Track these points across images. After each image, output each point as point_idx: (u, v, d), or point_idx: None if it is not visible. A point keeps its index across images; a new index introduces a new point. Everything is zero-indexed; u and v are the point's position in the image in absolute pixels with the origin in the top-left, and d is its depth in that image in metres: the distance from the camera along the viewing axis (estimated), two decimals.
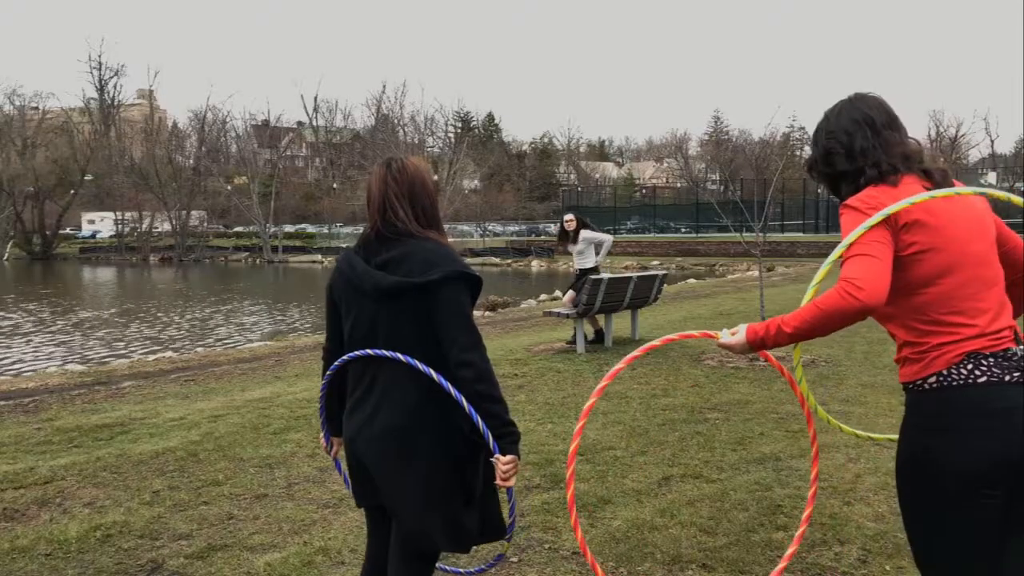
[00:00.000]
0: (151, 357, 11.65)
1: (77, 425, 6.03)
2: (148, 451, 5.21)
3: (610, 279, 9.12)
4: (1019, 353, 1.91)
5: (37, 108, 70.39)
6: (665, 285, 11.01)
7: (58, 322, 19.35)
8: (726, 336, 2.11)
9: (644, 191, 70.83)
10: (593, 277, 9.02)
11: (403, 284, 2.17)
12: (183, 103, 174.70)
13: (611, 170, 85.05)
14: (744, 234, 12.02)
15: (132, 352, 13.75)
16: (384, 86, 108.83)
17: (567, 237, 9.79)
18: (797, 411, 6.01)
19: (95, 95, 71.34)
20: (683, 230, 50.31)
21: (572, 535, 3.74)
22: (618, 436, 5.42)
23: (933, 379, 1.91)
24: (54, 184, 62.01)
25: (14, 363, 13.02)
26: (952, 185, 1.99)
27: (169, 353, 12.70)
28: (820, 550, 3.53)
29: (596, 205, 61.08)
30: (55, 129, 70.34)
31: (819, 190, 51.59)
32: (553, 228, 57.01)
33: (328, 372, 2.35)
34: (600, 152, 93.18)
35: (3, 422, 6.36)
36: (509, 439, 2.16)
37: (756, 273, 10.12)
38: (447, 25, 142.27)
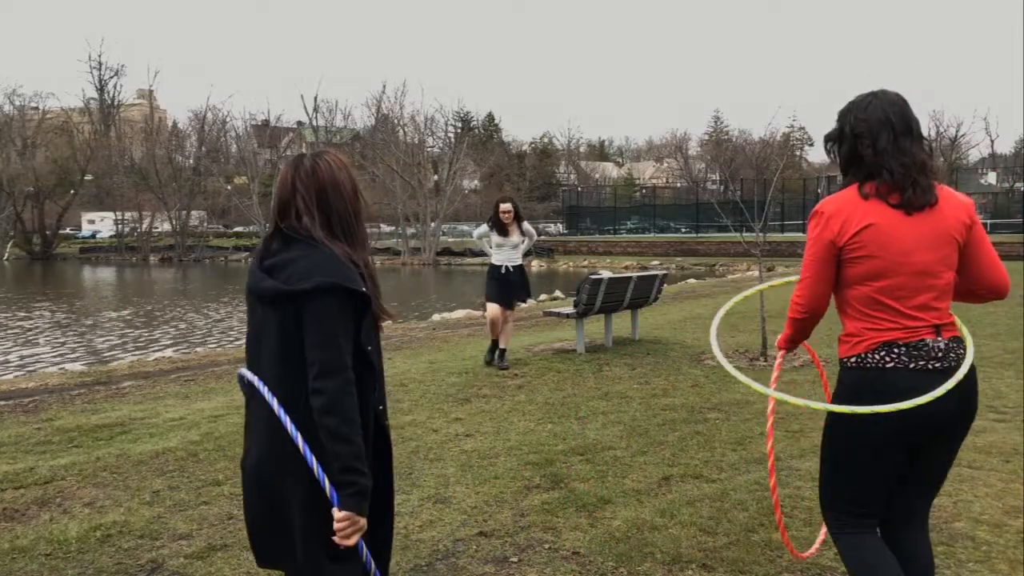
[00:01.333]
0: (151, 357, 11.65)
1: (77, 425, 6.03)
2: (148, 451, 5.21)
3: (610, 279, 9.12)
4: (930, 344, 2.28)
5: (37, 108, 70.34)
6: (665, 285, 11.00)
7: (66, 322, 19.35)
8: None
9: (644, 191, 70.76)
10: (593, 277, 9.00)
11: (276, 291, 1.97)
12: (183, 103, 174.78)
13: (611, 170, 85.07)
14: (744, 234, 12.02)
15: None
16: (384, 86, 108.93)
17: (503, 230, 8.21)
18: (797, 411, 6.01)
19: (95, 95, 71.36)
20: (683, 230, 50.31)
21: (572, 535, 3.74)
22: (618, 436, 5.42)
23: (854, 360, 2.33)
24: (54, 184, 61.97)
25: (32, 361, 13.02)
26: (932, 194, 2.28)
27: (169, 353, 12.70)
28: (820, 550, 3.52)
29: (596, 205, 61.08)
30: (55, 129, 70.30)
31: (819, 190, 51.60)
32: (553, 228, 57.13)
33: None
34: (600, 152, 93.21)
35: (3, 422, 6.35)
36: (349, 490, 1.87)
37: (756, 273, 10.13)
38: (447, 25, 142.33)
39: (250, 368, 2.06)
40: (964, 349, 2.33)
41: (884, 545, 2.41)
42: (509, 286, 8.25)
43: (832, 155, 2.42)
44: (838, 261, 2.32)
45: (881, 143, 2.26)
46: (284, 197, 2.10)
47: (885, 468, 2.34)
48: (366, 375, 2.03)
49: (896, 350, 2.27)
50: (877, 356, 2.28)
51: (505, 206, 8.25)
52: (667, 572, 3.35)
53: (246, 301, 2.14)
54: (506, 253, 8.28)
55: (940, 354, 2.27)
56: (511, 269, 8.26)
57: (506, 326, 8.17)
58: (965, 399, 2.30)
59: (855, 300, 2.32)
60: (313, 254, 2.01)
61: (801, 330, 2.51)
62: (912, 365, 2.26)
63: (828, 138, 2.42)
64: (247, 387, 2.05)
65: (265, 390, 1.96)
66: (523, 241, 8.38)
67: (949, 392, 2.22)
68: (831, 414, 2.40)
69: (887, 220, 2.25)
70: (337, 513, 1.88)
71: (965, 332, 2.39)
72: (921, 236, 2.26)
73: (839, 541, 2.45)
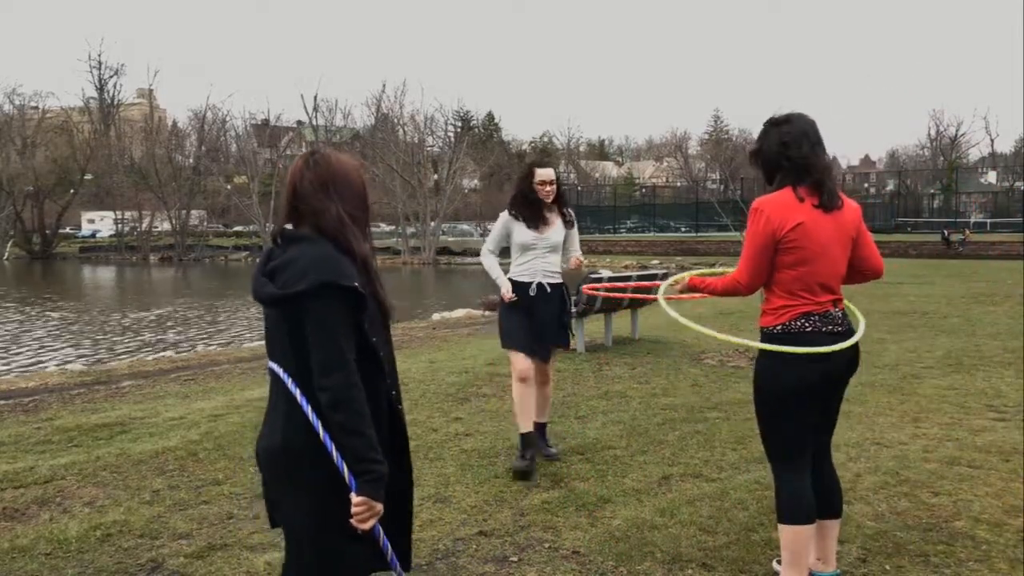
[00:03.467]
0: (151, 357, 11.65)
1: (77, 424, 6.03)
2: (148, 450, 5.21)
3: (610, 278, 9.12)
4: (833, 313, 2.95)
5: (37, 107, 70.25)
6: None
7: (66, 322, 19.35)
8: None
9: (644, 190, 70.79)
10: (594, 276, 9.01)
11: (274, 296, 2.03)
12: (183, 103, 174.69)
13: (611, 169, 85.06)
14: (743, 233, 12.01)
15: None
16: (384, 85, 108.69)
17: (537, 217, 4.90)
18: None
19: (95, 94, 71.28)
20: (683, 229, 50.30)
21: (572, 534, 3.74)
22: (618, 435, 5.42)
23: (779, 327, 2.93)
24: (54, 183, 61.90)
25: (34, 361, 13.02)
26: (839, 199, 2.93)
27: (169, 352, 12.70)
28: None
29: (596, 204, 61.06)
30: (55, 128, 70.22)
31: None
32: None
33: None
34: (600, 151, 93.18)
35: (3, 421, 6.35)
36: (366, 477, 1.96)
37: None
38: (447, 25, 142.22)
39: (271, 360, 2.14)
40: (852, 317, 3.07)
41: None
42: (544, 317, 4.84)
43: (756, 166, 3.05)
44: (774, 250, 2.90)
45: (804, 149, 2.87)
46: (294, 186, 2.13)
47: (813, 411, 2.98)
48: (372, 365, 2.07)
49: (812, 318, 2.92)
50: (798, 323, 2.91)
51: (545, 173, 4.85)
52: (667, 571, 3.35)
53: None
54: (538, 260, 4.89)
55: (839, 320, 2.97)
56: (547, 289, 4.88)
57: (543, 390, 4.96)
58: (856, 353, 3.03)
59: (783, 281, 2.92)
60: (310, 251, 2.04)
61: (730, 294, 3.08)
62: (823, 329, 2.92)
63: (753, 153, 3.06)
64: (271, 375, 2.13)
65: (289, 381, 2.03)
66: (566, 237, 5.01)
67: (850, 346, 2.95)
68: (762, 373, 3.00)
69: (812, 219, 2.86)
70: (355, 498, 1.96)
71: (851, 305, 3.10)
72: (834, 233, 2.91)
73: (782, 484, 3.02)
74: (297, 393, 2.02)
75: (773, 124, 2.96)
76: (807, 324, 2.90)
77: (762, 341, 2.97)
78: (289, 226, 2.13)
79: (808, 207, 2.86)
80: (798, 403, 2.94)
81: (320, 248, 2.05)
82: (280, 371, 2.06)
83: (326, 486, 2.02)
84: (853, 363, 3.05)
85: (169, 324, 18.74)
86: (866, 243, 3.03)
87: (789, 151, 2.88)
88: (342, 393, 1.95)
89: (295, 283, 2.00)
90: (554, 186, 4.86)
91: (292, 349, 2.04)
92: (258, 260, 2.17)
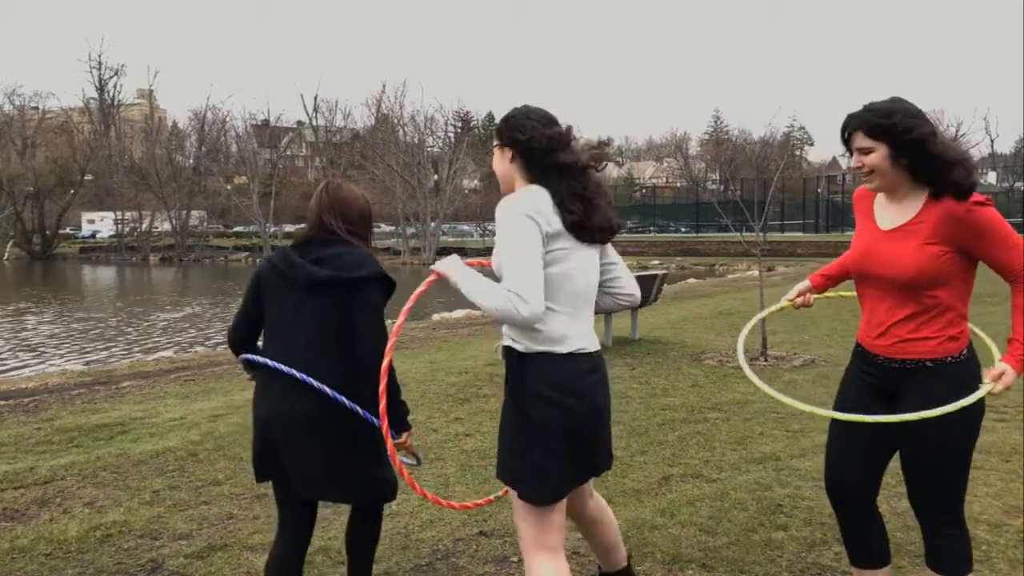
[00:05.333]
0: (151, 357, 11.65)
1: (77, 425, 6.03)
2: (148, 451, 5.21)
3: None
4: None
5: (37, 108, 70.31)
6: (665, 285, 11.00)
7: (66, 322, 19.35)
8: (998, 385, 2.38)
9: (644, 191, 70.78)
10: None
11: (336, 278, 2.56)
12: (183, 103, 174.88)
13: (611, 170, 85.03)
14: (744, 234, 12.01)
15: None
16: (384, 86, 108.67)
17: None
18: (798, 410, 6.00)
19: (95, 95, 71.25)
20: (683, 230, 50.29)
21: (572, 535, 3.74)
22: (618, 436, 5.41)
23: (966, 351, 2.45)
24: (54, 184, 61.90)
25: (35, 360, 13.02)
26: None
27: (169, 353, 12.70)
28: (820, 550, 3.53)
29: None
30: (55, 129, 70.28)
31: (819, 190, 51.60)
32: None
33: (249, 358, 2.72)
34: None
35: (3, 422, 6.35)
36: (407, 423, 2.71)
37: (756, 273, 10.13)
38: (447, 25, 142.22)
39: (272, 353, 2.63)
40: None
41: None
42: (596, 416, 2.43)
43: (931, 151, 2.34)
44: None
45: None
46: (317, 210, 2.72)
47: None
48: None
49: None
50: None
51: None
52: (667, 572, 3.35)
53: (267, 287, 2.67)
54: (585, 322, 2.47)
55: None
56: (597, 363, 2.45)
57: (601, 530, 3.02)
58: None
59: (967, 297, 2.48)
60: (353, 250, 2.64)
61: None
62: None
63: (924, 141, 2.34)
64: (259, 367, 2.67)
65: (311, 381, 2.53)
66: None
67: None
68: (975, 408, 2.40)
69: None
70: (402, 436, 2.67)
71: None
72: None
73: (967, 544, 2.55)
74: (329, 392, 2.53)
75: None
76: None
77: (953, 367, 2.45)
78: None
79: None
80: None
81: (358, 249, 2.66)
82: (302, 377, 2.55)
83: (355, 437, 2.62)
84: None
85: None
86: None
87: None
88: (391, 376, 2.51)
89: (352, 270, 2.57)
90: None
91: (336, 324, 2.57)
92: (279, 254, 2.67)
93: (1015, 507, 3.96)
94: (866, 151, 2.39)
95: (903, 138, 2.32)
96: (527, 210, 2.24)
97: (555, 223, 2.27)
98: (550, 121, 2.43)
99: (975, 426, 2.46)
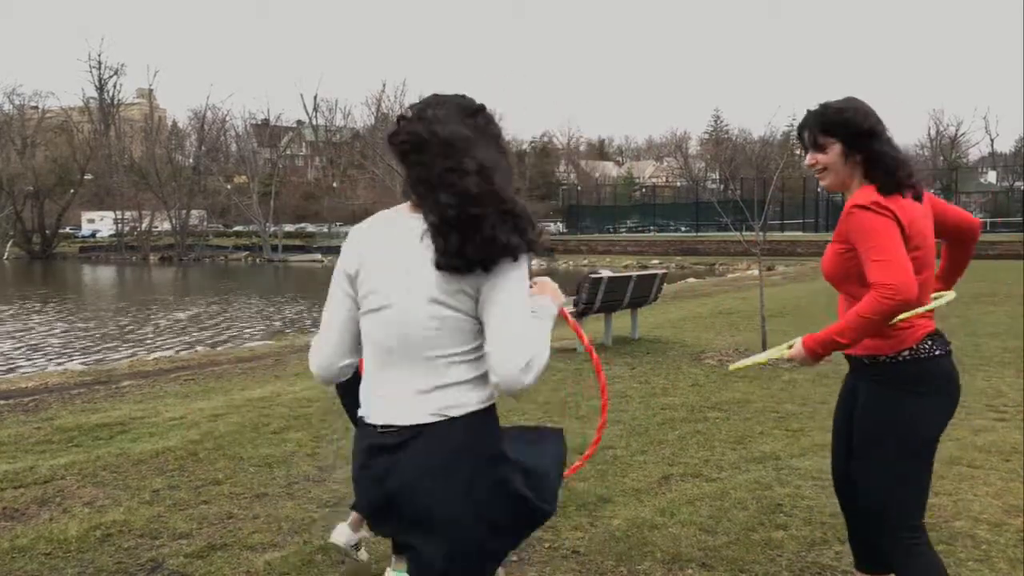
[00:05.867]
0: (151, 356, 11.65)
1: (77, 424, 6.02)
2: (148, 450, 5.20)
3: (610, 278, 9.12)
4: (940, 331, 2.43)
5: (36, 107, 70.29)
6: (665, 284, 11.00)
7: (66, 321, 19.35)
8: (790, 352, 2.41)
9: (644, 190, 70.76)
10: (593, 276, 9.00)
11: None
12: (183, 103, 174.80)
13: (611, 169, 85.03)
14: (744, 233, 12.00)
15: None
16: (384, 85, 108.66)
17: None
18: (797, 410, 6.01)
19: (95, 94, 71.17)
20: (683, 229, 50.26)
21: (572, 534, 3.74)
22: (618, 435, 5.42)
23: (907, 352, 2.34)
24: (54, 183, 61.84)
25: (36, 359, 13.02)
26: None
27: (169, 352, 12.70)
28: (820, 549, 3.53)
29: (596, 204, 61.05)
30: (55, 128, 70.23)
31: (819, 188, 51.51)
32: (553, 227, 56.86)
33: None
34: (600, 151, 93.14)
35: (3, 421, 6.35)
36: None
37: (756, 272, 10.13)
38: (447, 24, 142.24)
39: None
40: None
41: None
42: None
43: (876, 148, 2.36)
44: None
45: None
46: None
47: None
48: None
49: (938, 338, 2.39)
50: (925, 346, 2.35)
51: None
52: (667, 571, 3.35)
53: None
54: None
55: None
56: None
57: None
58: None
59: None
60: None
61: (877, 325, 2.24)
62: (948, 349, 2.42)
63: (869, 135, 2.37)
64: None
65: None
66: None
67: None
68: (896, 414, 2.34)
69: (912, 219, 2.35)
70: None
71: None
72: (929, 230, 2.43)
73: (919, 559, 2.38)
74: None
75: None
76: (935, 347, 2.39)
77: (886, 368, 2.40)
78: None
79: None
80: (934, 449, 2.45)
81: None
82: None
83: None
84: None
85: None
86: (945, 211, 2.63)
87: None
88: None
89: None
90: None
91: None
92: None
93: (1015, 506, 3.96)
94: (821, 147, 2.41)
95: (856, 133, 2.35)
96: None
97: None
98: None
99: (905, 432, 2.34)
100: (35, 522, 4.03)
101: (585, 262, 38.65)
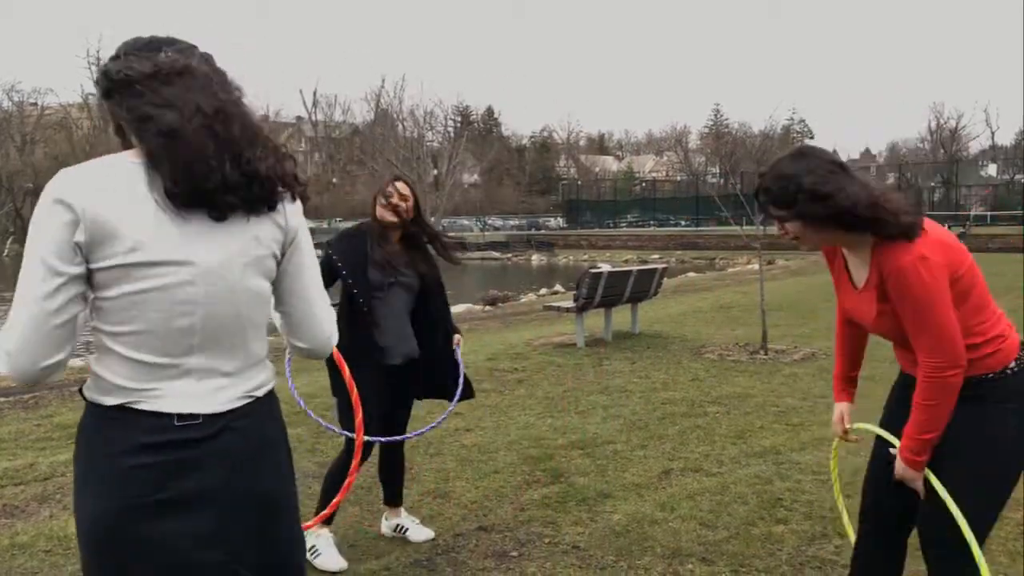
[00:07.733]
0: None
1: (77, 421, 6.01)
2: None
3: (610, 273, 9.11)
4: None
5: (36, 104, 70.24)
6: (665, 279, 11.00)
7: None
8: (897, 471, 2.25)
9: (644, 185, 70.73)
10: (593, 271, 8.98)
11: None
12: None
13: (611, 164, 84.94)
14: (744, 227, 12.00)
15: None
16: (383, 80, 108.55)
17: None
18: (797, 404, 6.01)
19: (94, 91, 71.11)
20: (683, 224, 50.24)
21: (572, 529, 3.74)
22: (618, 430, 5.42)
23: (1013, 365, 2.23)
24: None
25: None
26: None
27: None
28: (820, 543, 3.53)
29: (596, 199, 61.03)
30: (54, 125, 70.17)
31: None
32: (553, 222, 57.02)
33: None
34: (600, 146, 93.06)
35: (3, 418, 6.36)
36: None
37: (756, 267, 10.13)
38: (446, 19, 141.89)
39: None
40: None
41: None
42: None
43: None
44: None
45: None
46: None
47: None
48: None
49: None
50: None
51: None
52: (667, 566, 3.35)
53: None
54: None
55: None
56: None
57: None
58: None
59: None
60: None
61: (948, 405, 2.13)
62: None
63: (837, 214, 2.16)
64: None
65: None
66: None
67: None
68: (1006, 430, 2.18)
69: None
70: None
71: None
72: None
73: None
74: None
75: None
76: None
77: (996, 383, 2.24)
78: None
79: None
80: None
81: None
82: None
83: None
84: None
85: None
86: None
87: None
88: None
89: None
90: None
91: None
92: None
93: (1015, 499, 3.94)
94: (783, 219, 2.20)
95: (810, 202, 2.12)
96: None
97: None
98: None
99: (1015, 449, 2.19)
100: (35, 519, 4.03)
101: (585, 257, 38.66)
